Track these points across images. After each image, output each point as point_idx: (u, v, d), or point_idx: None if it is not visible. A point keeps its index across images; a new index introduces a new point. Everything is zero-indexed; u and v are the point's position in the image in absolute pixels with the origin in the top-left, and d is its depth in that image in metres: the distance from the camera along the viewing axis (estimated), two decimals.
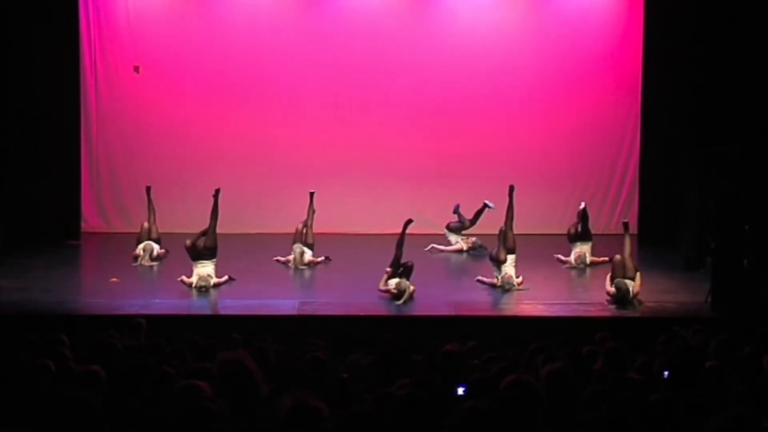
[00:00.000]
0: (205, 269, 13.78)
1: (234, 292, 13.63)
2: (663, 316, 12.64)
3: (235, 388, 5.49)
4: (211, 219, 14.14)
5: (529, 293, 13.75)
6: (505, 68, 17.95)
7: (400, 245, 13.72)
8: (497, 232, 14.27)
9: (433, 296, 13.53)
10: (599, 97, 18.01)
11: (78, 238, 17.23)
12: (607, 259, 14.61)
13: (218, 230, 13.87)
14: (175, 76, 17.83)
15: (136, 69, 17.66)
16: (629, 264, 13.46)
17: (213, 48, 17.79)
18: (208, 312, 12.97)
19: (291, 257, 15.23)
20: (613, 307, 12.97)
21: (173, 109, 17.83)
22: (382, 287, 13.40)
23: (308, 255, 15.29)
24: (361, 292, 13.64)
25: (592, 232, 15.81)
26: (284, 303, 13.05)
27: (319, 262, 15.39)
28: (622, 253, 13.66)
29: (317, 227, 15.84)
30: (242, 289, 13.79)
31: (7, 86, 16.49)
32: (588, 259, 15.42)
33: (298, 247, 15.23)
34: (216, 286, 13.79)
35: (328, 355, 8.14)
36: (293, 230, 15.62)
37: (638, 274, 13.34)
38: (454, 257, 16.56)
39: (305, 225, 15.56)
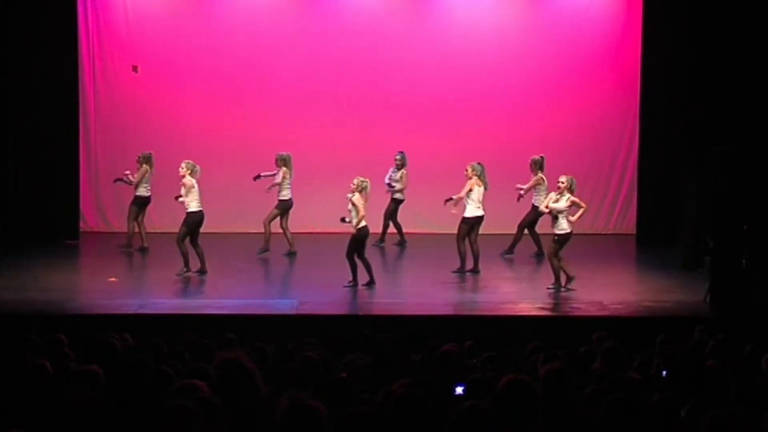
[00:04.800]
0: None
1: (234, 291, 13.62)
2: (661, 315, 12.66)
3: (233, 388, 5.49)
4: None
5: (527, 292, 13.81)
6: (504, 68, 17.93)
7: None
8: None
9: (432, 296, 13.53)
10: (598, 98, 17.98)
11: (77, 237, 17.20)
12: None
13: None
14: (173, 76, 17.80)
15: (135, 69, 17.64)
16: None
17: (211, 48, 17.77)
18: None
19: None
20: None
21: (172, 109, 17.81)
22: None
23: None
24: (360, 292, 13.63)
25: (590, 233, 15.81)
26: (283, 303, 13.05)
27: None
28: None
29: (316, 227, 15.74)
30: (242, 288, 13.79)
31: (7, 86, 16.47)
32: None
33: None
34: None
35: (326, 355, 8.15)
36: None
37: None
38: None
39: None
